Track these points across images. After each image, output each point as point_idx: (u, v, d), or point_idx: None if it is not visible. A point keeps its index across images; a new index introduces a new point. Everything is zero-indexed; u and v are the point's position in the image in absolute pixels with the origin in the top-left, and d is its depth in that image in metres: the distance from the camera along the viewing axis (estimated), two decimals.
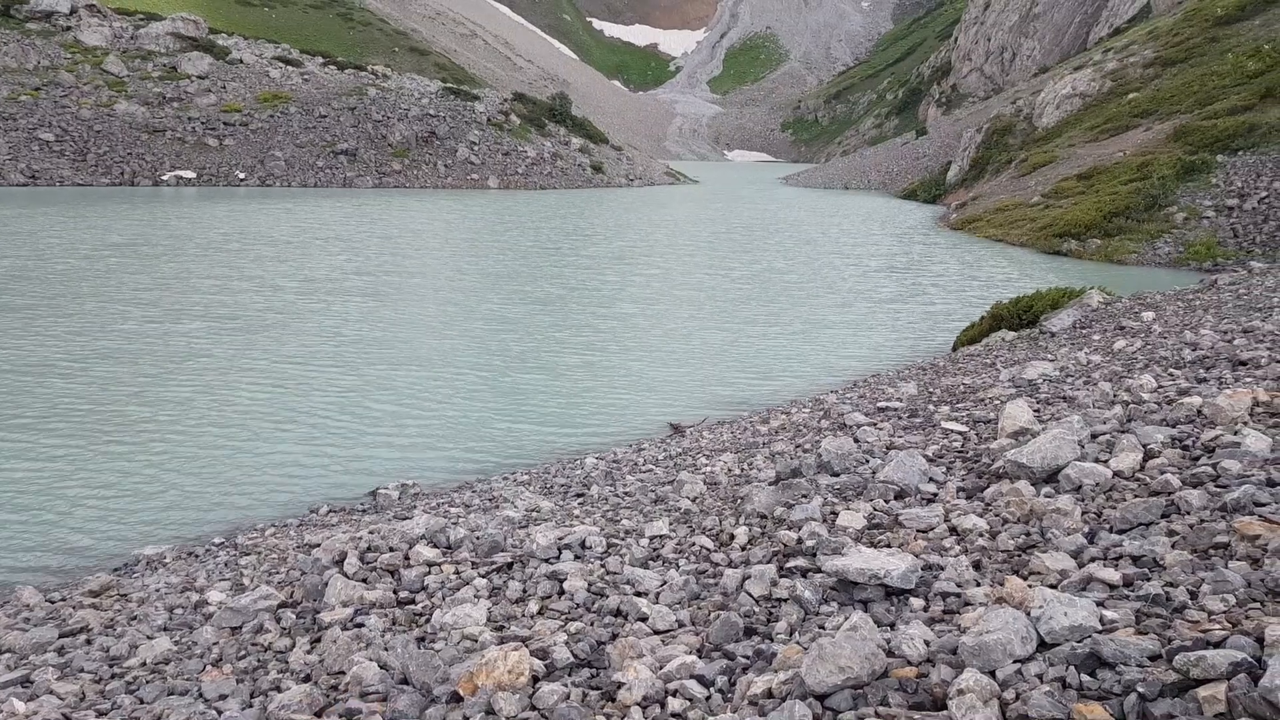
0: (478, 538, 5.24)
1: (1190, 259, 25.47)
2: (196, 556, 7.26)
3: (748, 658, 3.28)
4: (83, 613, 5.63)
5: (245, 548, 7.25)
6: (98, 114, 52.08)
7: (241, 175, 52.70)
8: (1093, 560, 3.43)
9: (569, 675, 3.40)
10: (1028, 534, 3.89)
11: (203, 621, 5.12)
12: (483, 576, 4.76)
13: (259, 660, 4.37)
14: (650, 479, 7.54)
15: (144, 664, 4.60)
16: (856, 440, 6.44)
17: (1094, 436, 4.91)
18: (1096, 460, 4.50)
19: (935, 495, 4.75)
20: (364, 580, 4.98)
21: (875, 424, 7.39)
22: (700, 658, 3.36)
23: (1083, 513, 3.98)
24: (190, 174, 51.19)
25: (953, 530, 4.15)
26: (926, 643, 2.91)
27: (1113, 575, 3.16)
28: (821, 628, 3.37)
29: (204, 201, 42.10)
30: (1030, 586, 3.10)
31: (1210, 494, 3.75)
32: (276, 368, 13.40)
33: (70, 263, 22.49)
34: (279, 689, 3.94)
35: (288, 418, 11.11)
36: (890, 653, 2.88)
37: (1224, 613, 2.74)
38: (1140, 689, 2.35)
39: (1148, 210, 28.83)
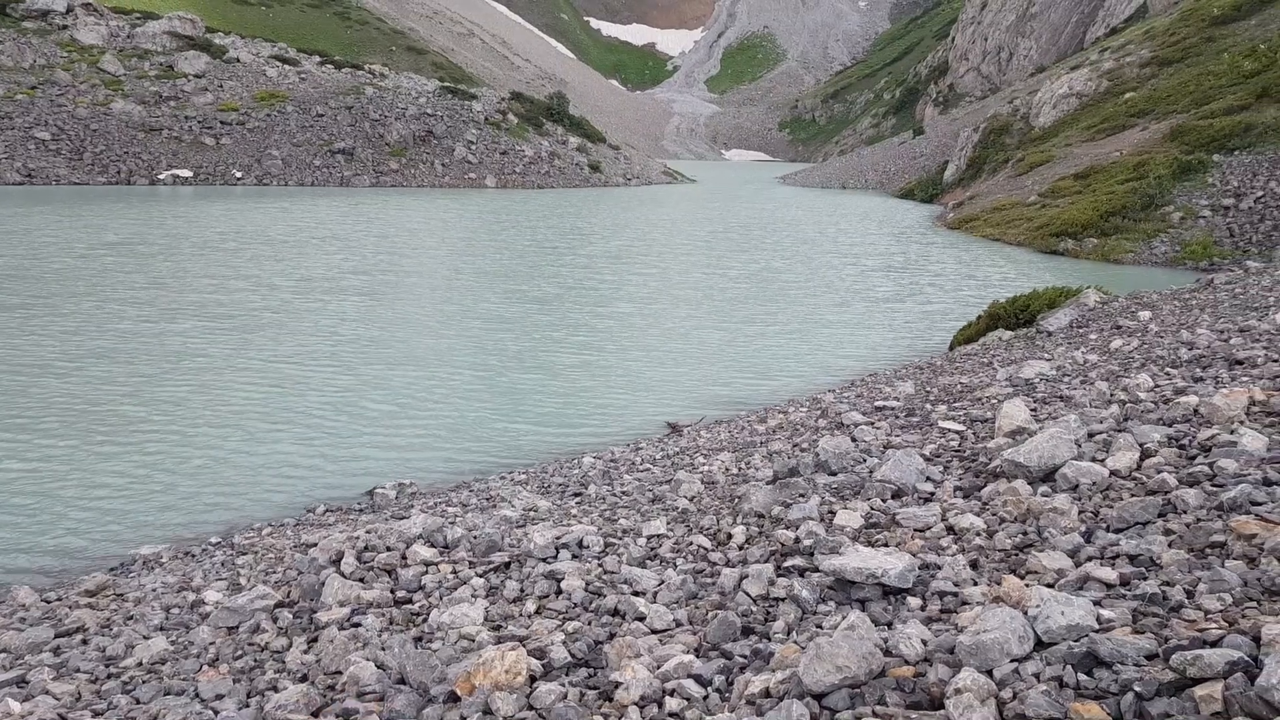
0: (475, 537, 5.24)
1: (1187, 258, 25.52)
2: (193, 556, 7.25)
3: (745, 657, 3.28)
4: (79, 613, 5.62)
5: (242, 547, 7.24)
6: (94, 113, 51.97)
7: (238, 174, 52.60)
8: (1090, 559, 3.43)
9: (566, 675, 3.40)
10: (1025, 533, 3.89)
11: (199, 621, 5.11)
12: (480, 576, 4.75)
13: (256, 660, 4.36)
14: (648, 478, 7.53)
15: (140, 664, 4.59)
16: (854, 439, 6.44)
17: (1091, 436, 4.91)
18: (1093, 459, 4.51)
19: (932, 494, 4.75)
20: (361, 580, 4.97)
21: (873, 423, 7.39)
22: (698, 657, 3.35)
23: (1080, 512, 3.98)
24: (187, 173, 51.10)
25: (950, 529, 4.15)
26: (924, 642, 2.91)
27: (1110, 574, 3.16)
28: (819, 627, 3.37)
29: (200, 200, 42.02)
30: (1027, 586, 3.10)
31: (1207, 493, 3.76)
32: (273, 367, 13.38)
33: (66, 262, 22.44)
34: (276, 689, 3.93)
35: (284, 417, 11.09)
36: (888, 652, 2.88)
37: (1220, 612, 2.74)
38: (1137, 688, 2.35)
39: (1144, 210, 28.88)
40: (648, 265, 26.57)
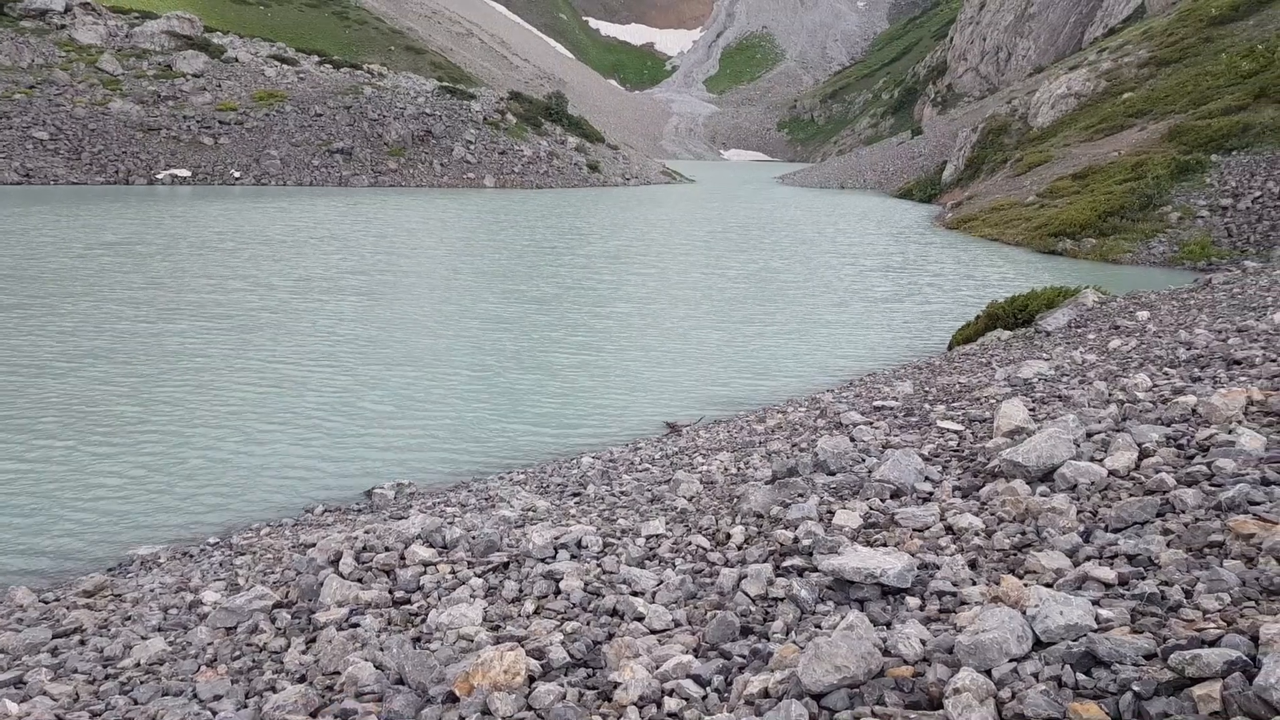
0: (474, 537, 5.24)
1: (1185, 258, 25.54)
2: (191, 557, 7.24)
3: (744, 657, 3.28)
4: (77, 613, 5.61)
5: (240, 548, 7.23)
6: (92, 112, 51.91)
7: (237, 174, 52.56)
8: (1088, 559, 3.43)
9: (565, 675, 3.40)
10: (1023, 533, 3.89)
11: (197, 622, 5.10)
12: (479, 576, 4.75)
13: (254, 660, 4.36)
14: (646, 478, 7.53)
15: (138, 664, 4.58)
16: (853, 439, 6.44)
17: (1089, 435, 4.91)
18: (1092, 459, 4.51)
19: (931, 494, 4.75)
20: (359, 580, 4.96)
21: (871, 423, 7.39)
22: (697, 657, 3.35)
23: (1078, 512, 3.99)
24: (185, 173, 51.05)
25: (949, 529, 4.15)
26: (923, 642, 2.91)
27: (1108, 574, 3.16)
28: (818, 627, 3.37)
29: (199, 200, 41.99)
30: (1026, 585, 3.10)
31: (1205, 493, 3.76)
32: (271, 367, 13.37)
33: (64, 261, 22.41)
34: (274, 689, 3.93)
35: (282, 418, 11.08)
36: (886, 652, 2.88)
37: (1219, 611, 2.75)
38: (1136, 688, 2.35)
39: (1142, 210, 28.92)
40: (646, 265, 26.57)
